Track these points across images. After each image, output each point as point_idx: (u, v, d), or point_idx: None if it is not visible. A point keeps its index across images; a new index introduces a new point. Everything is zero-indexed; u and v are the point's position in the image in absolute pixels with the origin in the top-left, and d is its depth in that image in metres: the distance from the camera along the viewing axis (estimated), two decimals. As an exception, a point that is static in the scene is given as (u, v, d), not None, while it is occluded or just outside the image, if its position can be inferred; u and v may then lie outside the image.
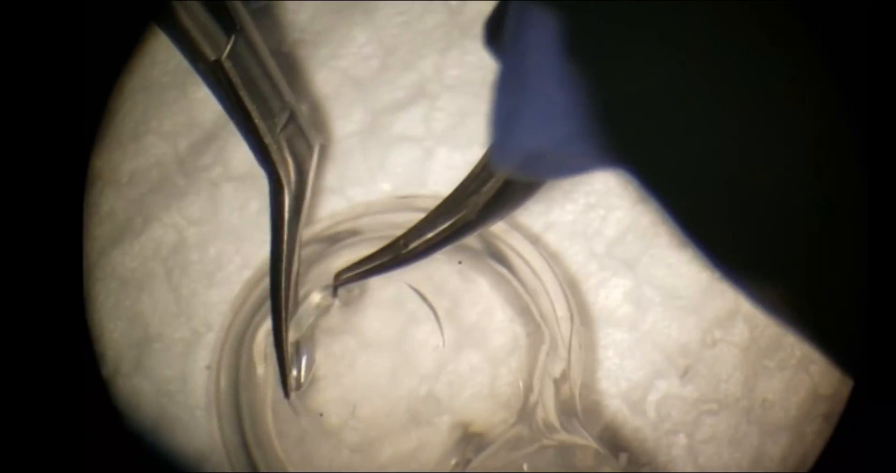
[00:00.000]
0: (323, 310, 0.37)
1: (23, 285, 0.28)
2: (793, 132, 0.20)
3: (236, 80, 0.33)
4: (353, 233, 0.38)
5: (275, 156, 0.34)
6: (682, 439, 0.36)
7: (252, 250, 0.37)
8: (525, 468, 0.33)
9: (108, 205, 0.37)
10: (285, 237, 0.35)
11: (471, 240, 0.37)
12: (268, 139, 0.34)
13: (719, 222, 0.21)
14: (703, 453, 0.36)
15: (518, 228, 0.37)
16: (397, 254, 0.35)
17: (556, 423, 0.34)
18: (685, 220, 0.21)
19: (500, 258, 0.37)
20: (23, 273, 0.28)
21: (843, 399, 0.36)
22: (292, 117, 0.35)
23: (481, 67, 0.37)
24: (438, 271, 0.37)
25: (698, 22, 0.19)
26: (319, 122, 0.38)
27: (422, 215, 0.34)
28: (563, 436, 0.33)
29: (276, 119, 0.34)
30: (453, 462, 0.36)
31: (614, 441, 0.36)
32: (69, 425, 0.28)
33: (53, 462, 0.28)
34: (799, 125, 0.20)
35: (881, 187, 0.20)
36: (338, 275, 0.36)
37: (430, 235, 0.34)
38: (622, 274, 0.37)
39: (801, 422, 0.36)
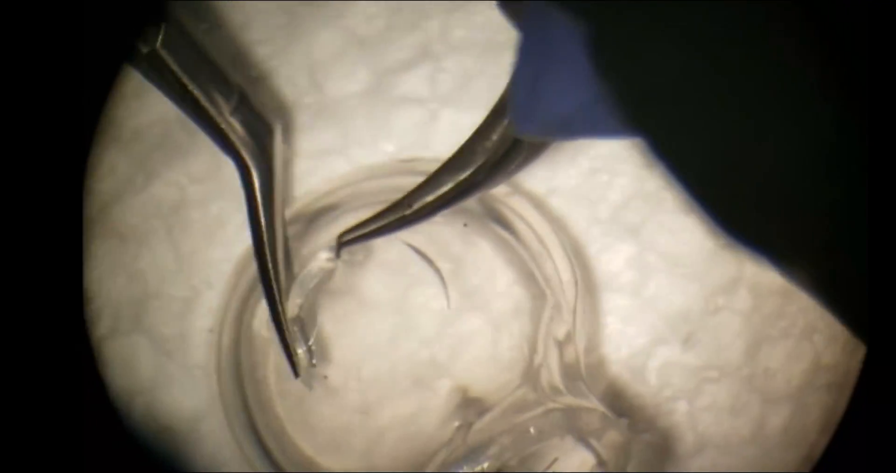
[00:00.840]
0: (326, 273, 0.37)
1: (19, 243, 0.27)
2: (805, 112, 0.19)
3: (175, 68, 0.33)
4: (356, 197, 0.37)
5: (232, 138, 0.34)
6: (682, 406, 0.36)
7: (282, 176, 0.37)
8: (531, 430, 0.33)
9: (109, 161, 0.37)
10: (262, 220, 0.35)
11: (474, 203, 0.37)
12: (222, 124, 0.34)
13: (731, 190, 0.21)
14: (703, 420, 0.36)
15: (521, 191, 0.37)
16: (401, 215, 0.34)
17: (562, 386, 0.34)
18: (699, 191, 0.21)
19: (504, 222, 0.37)
20: (20, 230, 0.28)
21: (846, 370, 0.36)
22: (243, 99, 0.35)
23: (488, 27, 0.37)
24: (441, 233, 0.37)
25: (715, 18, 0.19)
26: (278, 100, 0.37)
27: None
28: (569, 399, 0.33)
29: (226, 102, 0.34)
30: (455, 424, 0.36)
31: (614, 407, 0.36)
32: (64, 384, 0.28)
33: (46, 421, 0.28)
34: (809, 106, 0.19)
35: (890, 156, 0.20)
36: (340, 236, 0.36)
37: (433, 196, 0.34)
38: (626, 240, 0.37)
39: (803, 392, 0.36)
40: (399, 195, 0.34)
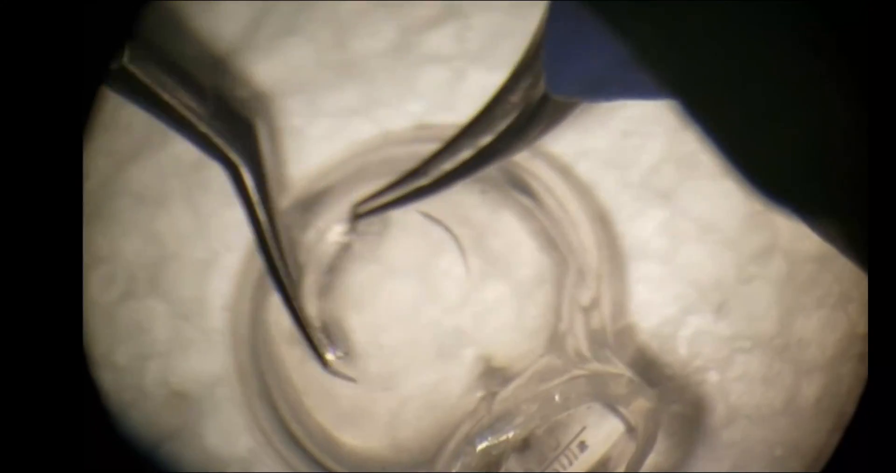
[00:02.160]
0: (343, 247, 0.36)
1: (30, 203, 0.27)
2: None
3: (146, 81, 0.33)
4: (369, 168, 0.36)
5: (216, 141, 0.34)
6: (713, 376, 0.35)
7: (273, 168, 0.36)
8: (557, 398, 0.32)
9: (126, 119, 0.36)
10: (262, 217, 0.35)
11: (492, 169, 0.36)
12: (203, 129, 0.34)
13: (770, 153, 0.20)
14: (734, 391, 0.35)
15: (542, 155, 0.36)
16: (418, 185, 0.33)
17: (588, 352, 0.33)
18: (736, 152, 0.20)
19: (524, 188, 0.36)
20: (31, 190, 0.27)
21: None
22: (220, 102, 0.35)
23: (518, -16, 0.36)
24: (461, 201, 0.36)
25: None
26: (259, 98, 0.36)
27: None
28: (595, 366, 0.32)
29: (203, 108, 0.34)
30: (479, 394, 0.36)
31: (643, 377, 0.35)
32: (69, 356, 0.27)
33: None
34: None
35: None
36: (354, 207, 0.35)
37: (452, 164, 0.33)
38: (657, 205, 0.36)
39: (836, 362, 0.36)
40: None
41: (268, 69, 0.36)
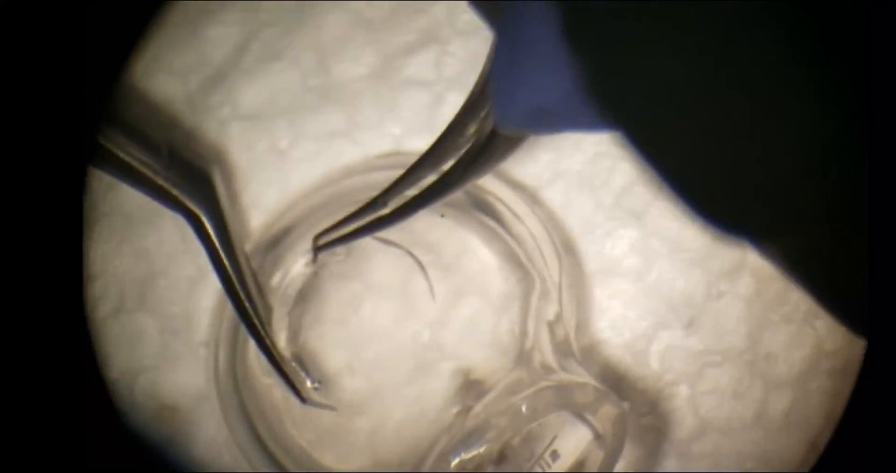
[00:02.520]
0: (310, 276, 0.37)
1: (23, 222, 0.27)
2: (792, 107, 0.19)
3: (100, 138, 0.33)
4: (336, 198, 0.37)
5: (174, 193, 0.34)
6: (684, 390, 0.36)
7: (259, 190, 0.37)
8: (524, 409, 0.33)
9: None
10: (227, 263, 0.35)
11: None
12: (160, 182, 0.34)
13: (717, 184, 0.20)
14: (704, 405, 0.36)
15: (501, 176, 0.37)
16: (378, 215, 0.34)
17: (554, 364, 0.34)
18: (682, 187, 0.21)
19: (481, 205, 0.37)
20: (23, 209, 0.28)
21: (848, 356, 0.36)
22: (173, 154, 0.35)
23: (494, 12, 0.37)
24: (421, 225, 0.37)
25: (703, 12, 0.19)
26: (209, 145, 0.38)
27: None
28: (562, 376, 0.33)
29: (157, 162, 0.34)
30: (455, 410, 0.36)
31: (616, 391, 0.36)
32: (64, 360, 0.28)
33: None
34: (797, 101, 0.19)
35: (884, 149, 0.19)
36: (315, 239, 0.35)
37: (411, 192, 0.34)
38: (629, 225, 0.37)
39: (805, 377, 0.36)
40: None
41: (253, 93, 0.37)
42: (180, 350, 0.37)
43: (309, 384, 0.37)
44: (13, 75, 0.27)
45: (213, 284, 0.37)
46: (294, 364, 0.37)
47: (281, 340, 0.37)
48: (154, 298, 0.37)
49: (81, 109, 0.28)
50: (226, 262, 0.35)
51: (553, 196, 0.37)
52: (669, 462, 0.36)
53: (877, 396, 0.27)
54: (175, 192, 0.34)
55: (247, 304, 0.35)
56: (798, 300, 0.36)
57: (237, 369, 0.37)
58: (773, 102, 0.19)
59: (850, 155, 0.20)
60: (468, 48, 0.37)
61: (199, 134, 0.37)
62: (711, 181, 0.20)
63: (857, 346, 0.36)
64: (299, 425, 0.37)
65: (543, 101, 0.26)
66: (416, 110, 0.37)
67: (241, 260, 0.36)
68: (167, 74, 0.38)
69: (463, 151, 0.32)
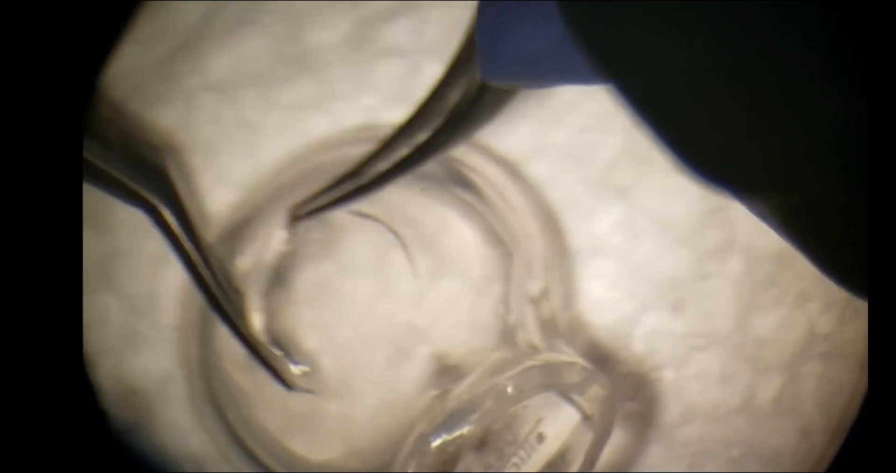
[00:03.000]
0: (286, 252, 0.36)
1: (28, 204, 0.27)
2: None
3: None
4: (310, 174, 0.36)
5: (130, 186, 0.34)
6: (669, 374, 0.35)
7: (227, 164, 0.36)
8: (510, 390, 0.32)
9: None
10: (192, 251, 0.34)
11: (434, 166, 0.35)
12: (115, 175, 0.33)
13: (710, 137, 0.20)
14: (690, 389, 0.35)
15: (482, 150, 0.36)
16: (356, 185, 0.33)
17: (539, 343, 0.33)
18: (674, 139, 0.20)
19: (462, 181, 0.36)
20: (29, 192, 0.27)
21: (841, 340, 0.35)
22: (127, 148, 0.34)
23: (474, -22, 0.35)
24: (402, 200, 0.36)
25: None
26: (162, 135, 0.36)
27: None
28: (548, 355, 0.32)
29: (112, 154, 0.34)
30: (433, 394, 0.35)
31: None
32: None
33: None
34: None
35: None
36: (293, 210, 0.34)
37: (389, 161, 0.33)
38: (614, 202, 0.36)
39: (795, 362, 0.35)
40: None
41: (221, 62, 0.36)
42: (145, 331, 0.36)
43: (294, 369, 0.35)
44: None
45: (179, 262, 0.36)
46: (276, 351, 0.35)
47: (256, 322, 0.36)
48: (117, 277, 0.36)
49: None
50: (191, 252, 0.34)
51: (536, 171, 0.36)
52: (653, 449, 0.35)
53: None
54: (130, 184, 0.34)
55: (217, 293, 0.34)
56: (789, 280, 0.35)
57: (205, 352, 0.36)
58: (771, 56, 0.19)
59: (852, 115, 0.19)
60: (447, 16, 0.36)
61: (150, 121, 0.36)
62: (704, 134, 0.20)
63: (851, 329, 0.35)
64: (269, 409, 0.36)
65: (533, 48, 0.25)
66: (392, 80, 0.36)
67: (206, 248, 0.35)
68: (133, 42, 0.36)
69: (444, 116, 0.31)
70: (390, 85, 0.36)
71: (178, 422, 0.36)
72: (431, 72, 0.36)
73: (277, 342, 0.35)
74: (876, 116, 0.19)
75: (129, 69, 0.36)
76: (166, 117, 0.36)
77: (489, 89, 0.30)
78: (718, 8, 0.18)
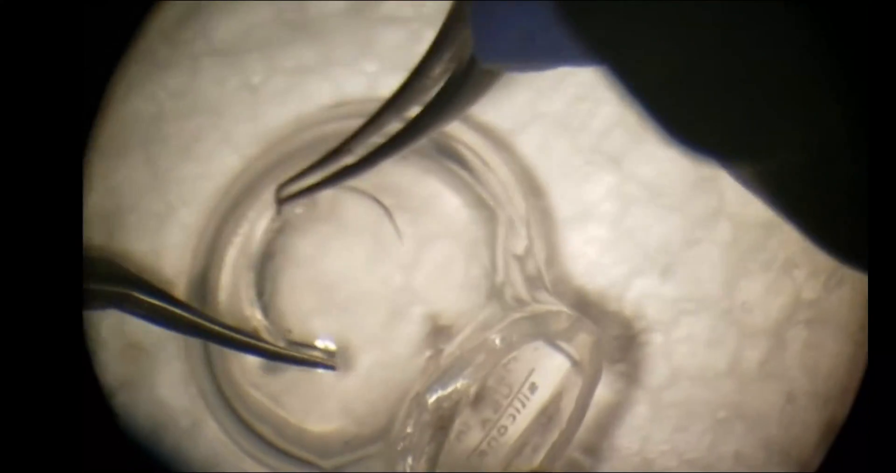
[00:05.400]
0: (273, 232, 0.36)
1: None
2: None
3: None
4: (310, 145, 0.37)
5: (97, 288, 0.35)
6: (657, 337, 0.36)
7: (230, 126, 0.37)
8: (497, 342, 0.32)
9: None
10: (189, 317, 0.35)
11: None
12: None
13: (695, 109, 0.20)
14: (678, 352, 0.36)
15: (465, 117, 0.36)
16: (345, 164, 0.33)
17: (526, 296, 0.33)
18: (663, 116, 0.20)
19: (439, 146, 0.36)
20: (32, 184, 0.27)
21: (826, 306, 0.36)
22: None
23: (474, -51, 0.36)
24: (383, 169, 0.35)
25: None
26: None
27: None
28: (534, 306, 0.33)
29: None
30: (427, 354, 0.36)
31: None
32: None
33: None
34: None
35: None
36: (277, 191, 0.35)
37: (377, 139, 0.33)
38: (607, 169, 0.36)
39: (781, 326, 0.36)
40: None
41: (226, 27, 0.36)
42: (147, 288, 0.36)
43: (323, 356, 0.36)
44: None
45: (182, 220, 0.37)
46: (302, 348, 0.36)
47: (250, 294, 0.36)
48: (121, 234, 0.37)
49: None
50: (187, 318, 0.35)
51: (530, 139, 0.37)
52: (640, 409, 0.35)
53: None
54: (98, 287, 0.34)
55: (229, 334, 0.35)
56: (776, 247, 0.36)
57: (204, 308, 0.37)
58: (757, 29, 0.19)
59: (827, 86, 0.19)
60: (447, -14, 0.37)
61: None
62: (687, 106, 0.20)
63: (836, 296, 0.36)
64: (265, 371, 0.36)
65: (525, 29, 0.25)
66: (393, 48, 0.37)
67: (194, 309, 0.35)
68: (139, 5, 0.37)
69: (432, 92, 0.31)
70: (391, 52, 0.37)
71: (177, 378, 0.36)
72: (430, 39, 0.37)
73: (288, 334, 0.36)
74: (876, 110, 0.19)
75: (137, 34, 0.37)
76: (172, 81, 0.37)
77: (478, 67, 0.31)
78: None
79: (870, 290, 0.23)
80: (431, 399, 0.34)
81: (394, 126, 0.32)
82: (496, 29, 0.27)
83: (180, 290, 0.36)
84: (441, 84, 0.31)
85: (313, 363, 0.36)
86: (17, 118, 0.28)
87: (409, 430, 0.34)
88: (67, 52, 0.30)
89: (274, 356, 0.35)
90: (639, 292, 0.36)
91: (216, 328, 0.35)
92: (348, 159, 0.33)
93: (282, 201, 0.35)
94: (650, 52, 0.20)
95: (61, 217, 0.29)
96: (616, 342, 0.36)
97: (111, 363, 0.36)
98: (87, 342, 0.36)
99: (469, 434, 0.34)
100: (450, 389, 0.34)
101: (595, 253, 0.36)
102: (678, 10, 0.19)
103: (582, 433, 0.35)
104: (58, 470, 0.28)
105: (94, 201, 0.37)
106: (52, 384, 0.28)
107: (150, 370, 0.36)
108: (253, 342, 0.35)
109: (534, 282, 0.34)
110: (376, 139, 0.33)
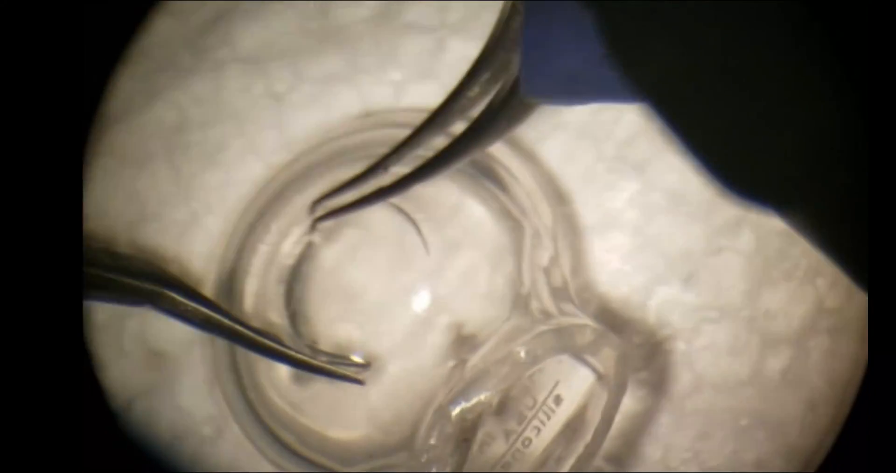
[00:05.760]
0: (306, 247, 0.36)
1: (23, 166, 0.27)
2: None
3: None
4: (337, 155, 0.37)
5: (129, 284, 0.35)
6: (680, 345, 0.36)
7: (255, 134, 0.37)
8: (522, 355, 0.33)
9: (111, 81, 0.37)
10: (220, 320, 0.35)
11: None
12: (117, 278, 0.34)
13: (739, 155, 0.21)
14: (700, 360, 0.36)
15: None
16: (380, 187, 0.33)
17: (552, 309, 0.33)
18: (708, 159, 0.21)
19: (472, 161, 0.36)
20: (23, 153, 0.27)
21: (848, 315, 0.36)
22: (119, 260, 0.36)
23: (499, -42, 0.36)
24: None
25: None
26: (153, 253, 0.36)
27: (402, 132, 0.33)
28: (559, 320, 0.33)
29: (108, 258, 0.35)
30: (451, 364, 0.36)
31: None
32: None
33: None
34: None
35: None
36: (312, 206, 0.35)
37: (414, 158, 0.33)
38: (630, 178, 0.37)
39: (803, 335, 0.36)
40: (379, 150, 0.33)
41: (251, 35, 0.36)
42: (171, 294, 0.36)
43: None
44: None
45: (206, 228, 0.37)
46: (334, 359, 0.36)
47: (277, 302, 0.36)
48: (145, 241, 0.37)
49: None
50: (219, 320, 0.35)
51: (554, 146, 0.37)
52: (663, 418, 0.36)
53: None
54: (132, 282, 0.34)
55: (259, 339, 0.35)
56: (799, 256, 0.36)
57: (236, 296, 0.37)
58: (789, 80, 0.20)
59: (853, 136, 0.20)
60: (472, -6, 0.37)
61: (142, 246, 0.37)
62: (734, 152, 0.21)
63: (858, 304, 0.36)
64: (292, 379, 0.36)
65: (572, 67, 0.26)
66: (418, 56, 0.37)
67: (227, 312, 0.35)
68: (165, 13, 0.37)
69: (468, 115, 0.32)
70: (416, 60, 0.37)
71: (199, 385, 0.36)
72: (456, 48, 0.37)
73: (306, 336, 0.36)
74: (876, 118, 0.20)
75: (161, 41, 0.37)
76: (196, 88, 0.37)
77: (517, 95, 0.31)
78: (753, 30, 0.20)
79: (870, 290, 0.24)
80: (455, 411, 0.34)
81: (431, 144, 0.33)
82: (545, 67, 0.28)
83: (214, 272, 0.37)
84: (480, 107, 0.32)
85: (343, 377, 0.36)
86: (16, 118, 0.28)
87: (432, 442, 0.34)
88: (67, 52, 0.29)
89: (305, 367, 0.35)
90: (662, 300, 0.36)
91: (250, 333, 0.35)
92: (384, 179, 0.33)
93: (316, 219, 0.35)
94: (699, 94, 0.20)
95: (61, 221, 0.28)
96: (639, 350, 0.36)
97: (132, 371, 0.36)
98: (95, 347, 0.36)
99: (493, 446, 0.34)
100: (473, 401, 0.34)
101: (618, 261, 0.36)
102: (726, 52, 0.19)
103: (605, 441, 0.35)
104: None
105: (117, 209, 0.37)
106: (49, 388, 0.27)
107: (172, 378, 0.36)
108: (285, 350, 0.35)
109: (559, 294, 0.34)
110: (413, 159, 0.33)
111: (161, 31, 0.37)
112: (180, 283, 0.35)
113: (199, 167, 0.37)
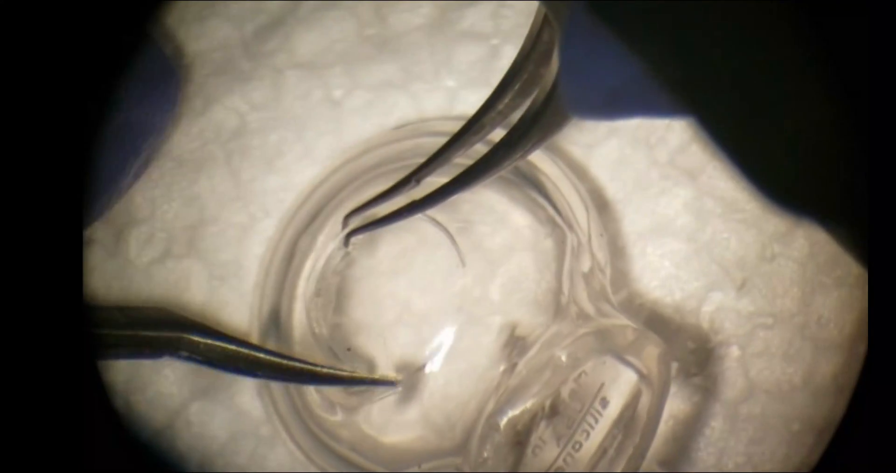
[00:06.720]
0: (343, 259, 0.36)
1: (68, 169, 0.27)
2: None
3: None
4: (376, 166, 0.37)
5: (153, 335, 0.35)
6: (734, 351, 0.36)
7: (313, 139, 0.37)
8: (563, 359, 0.33)
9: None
10: (263, 358, 0.35)
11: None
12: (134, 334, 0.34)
13: (785, 169, 0.21)
14: (754, 366, 0.36)
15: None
16: (411, 201, 0.33)
17: (591, 311, 0.34)
18: (754, 173, 0.21)
19: (515, 170, 0.37)
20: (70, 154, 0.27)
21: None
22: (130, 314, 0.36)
23: (554, -34, 0.36)
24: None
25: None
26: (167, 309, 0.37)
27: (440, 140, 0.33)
28: (600, 321, 0.33)
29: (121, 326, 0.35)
30: (501, 368, 0.36)
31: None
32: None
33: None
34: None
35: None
36: (345, 220, 0.35)
37: (447, 170, 0.33)
38: (683, 184, 0.37)
39: (854, 341, 0.36)
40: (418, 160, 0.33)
41: (309, 41, 0.37)
42: (227, 297, 0.37)
43: (392, 376, 0.36)
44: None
45: (264, 231, 0.37)
46: (371, 373, 0.36)
47: (326, 308, 0.36)
48: (203, 244, 0.37)
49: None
50: (245, 353, 0.35)
51: (608, 153, 0.37)
52: (717, 423, 0.36)
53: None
54: (152, 333, 0.34)
55: (298, 365, 0.35)
56: (850, 263, 0.36)
57: (282, 316, 0.37)
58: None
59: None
60: (526, 2, 0.37)
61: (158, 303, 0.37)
62: (779, 165, 0.21)
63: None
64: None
65: (613, 84, 0.26)
66: (472, 63, 0.37)
67: (258, 347, 0.36)
68: (223, 19, 0.38)
69: (501, 130, 0.32)
70: (470, 68, 0.37)
71: (257, 385, 0.37)
72: (510, 55, 0.37)
73: (348, 342, 0.36)
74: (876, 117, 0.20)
75: (218, 46, 0.38)
76: (255, 93, 0.37)
77: (553, 105, 0.30)
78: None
79: (870, 290, 0.24)
80: (503, 422, 0.34)
81: (466, 159, 0.32)
82: (586, 85, 0.28)
83: (255, 303, 0.37)
84: (514, 120, 0.32)
85: (378, 382, 0.36)
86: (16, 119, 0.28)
87: (485, 454, 0.35)
88: (67, 52, 0.29)
89: (338, 382, 0.35)
90: (715, 306, 0.36)
91: (277, 360, 0.35)
92: (415, 193, 0.33)
93: (349, 234, 0.35)
94: (740, 104, 0.20)
95: (61, 221, 0.28)
96: (693, 355, 0.36)
97: (189, 372, 0.37)
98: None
99: (545, 450, 0.35)
100: (520, 409, 0.34)
101: (672, 267, 0.37)
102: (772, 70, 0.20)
103: (659, 445, 0.36)
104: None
105: (175, 212, 0.37)
106: (56, 394, 0.28)
107: (229, 379, 0.37)
108: (315, 371, 0.35)
109: (598, 296, 0.34)
110: (446, 170, 0.33)
111: (217, 36, 0.38)
112: (197, 324, 0.35)
113: (258, 172, 0.37)
